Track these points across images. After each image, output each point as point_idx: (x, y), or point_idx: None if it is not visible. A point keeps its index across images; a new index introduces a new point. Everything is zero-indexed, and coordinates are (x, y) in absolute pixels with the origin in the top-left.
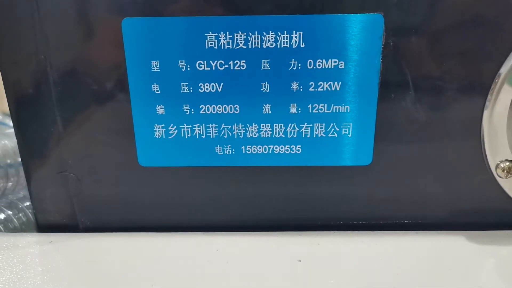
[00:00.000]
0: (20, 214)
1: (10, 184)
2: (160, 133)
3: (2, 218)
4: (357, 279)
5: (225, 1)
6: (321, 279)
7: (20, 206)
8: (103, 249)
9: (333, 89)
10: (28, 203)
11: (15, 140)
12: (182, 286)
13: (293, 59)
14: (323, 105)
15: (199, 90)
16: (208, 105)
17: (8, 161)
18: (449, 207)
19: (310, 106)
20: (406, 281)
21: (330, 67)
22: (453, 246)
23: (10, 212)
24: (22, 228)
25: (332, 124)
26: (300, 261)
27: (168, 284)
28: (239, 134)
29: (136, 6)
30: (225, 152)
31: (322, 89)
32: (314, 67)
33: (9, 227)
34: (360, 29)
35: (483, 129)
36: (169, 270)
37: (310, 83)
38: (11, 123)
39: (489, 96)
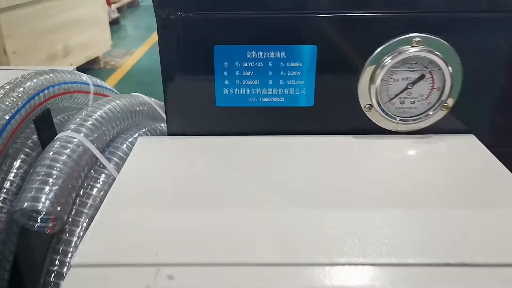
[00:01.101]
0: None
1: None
2: (226, 91)
3: (143, 130)
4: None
5: (253, 37)
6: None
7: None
8: (204, 142)
9: (297, 73)
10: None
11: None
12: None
13: (281, 62)
14: (293, 80)
15: (243, 74)
16: (245, 81)
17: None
18: (352, 126)
19: (288, 81)
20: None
21: (295, 66)
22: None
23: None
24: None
25: (297, 88)
26: (285, 144)
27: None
28: (259, 93)
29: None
30: (253, 100)
31: (292, 74)
32: (290, 64)
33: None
34: (310, 52)
35: (358, 90)
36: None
37: (288, 72)
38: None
39: (360, 75)
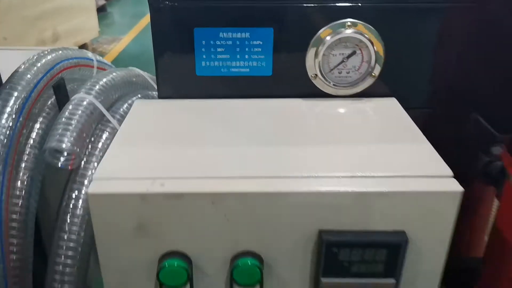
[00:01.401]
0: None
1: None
2: (204, 64)
3: (139, 96)
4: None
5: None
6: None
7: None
8: (187, 103)
9: (258, 50)
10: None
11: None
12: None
13: (246, 41)
14: (255, 55)
15: (217, 50)
16: (219, 55)
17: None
18: (302, 91)
19: (251, 56)
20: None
21: (257, 44)
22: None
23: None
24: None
25: (258, 61)
26: (250, 104)
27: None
28: (229, 65)
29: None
30: (224, 70)
31: (254, 50)
32: (253, 43)
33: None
34: (268, 34)
35: (306, 62)
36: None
37: (252, 49)
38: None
39: (307, 51)
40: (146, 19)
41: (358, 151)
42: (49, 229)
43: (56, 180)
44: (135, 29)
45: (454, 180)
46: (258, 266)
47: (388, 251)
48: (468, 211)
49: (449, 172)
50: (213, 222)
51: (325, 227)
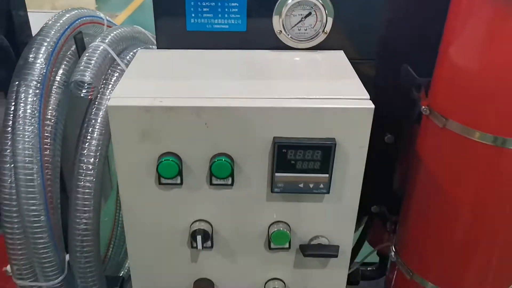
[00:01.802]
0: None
1: None
2: (193, 21)
3: (141, 47)
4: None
5: None
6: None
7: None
8: (180, 52)
9: (235, 10)
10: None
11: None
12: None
13: (226, 3)
14: (233, 15)
15: (203, 10)
16: (204, 14)
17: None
18: (270, 44)
19: (230, 15)
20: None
21: (234, 5)
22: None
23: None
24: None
25: (235, 20)
26: (229, 53)
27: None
28: (213, 22)
29: None
30: (209, 26)
31: (232, 11)
32: (231, 4)
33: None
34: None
35: (273, 21)
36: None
37: (230, 9)
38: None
39: (273, 12)
40: None
41: (305, 84)
42: (69, 164)
43: (74, 116)
44: (131, 7)
45: (370, 101)
46: (230, 163)
47: (322, 152)
48: (404, 147)
49: (367, 95)
50: (197, 129)
51: (278, 134)
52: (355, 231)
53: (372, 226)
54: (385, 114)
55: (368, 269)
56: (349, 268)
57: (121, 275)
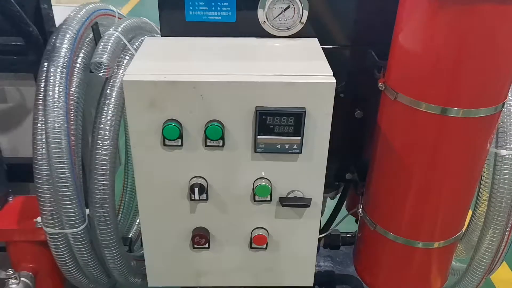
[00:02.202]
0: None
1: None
2: (191, 13)
3: (148, 35)
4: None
5: None
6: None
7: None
8: (181, 39)
9: (226, 4)
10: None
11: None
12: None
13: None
14: (224, 8)
15: (199, 4)
16: (200, 7)
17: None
18: (255, 33)
19: (222, 8)
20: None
21: (226, 0)
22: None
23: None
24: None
25: (226, 12)
26: (221, 40)
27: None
28: (208, 14)
29: None
30: (204, 18)
31: (224, 4)
32: None
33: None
34: None
35: (257, 13)
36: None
37: (222, 3)
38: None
39: (258, 6)
40: None
41: (282, 64)
42: (87, 133)
43: (91, 94)
44: (132, 2)
45: (333, 77)
46: (221, 128)
47: (295, 118)
48: (371, 121)
49: (331, 73)
50: (194, 100)
51: (259, 104)
52: (333, 199)
53: (348, 194)
54: (355, 92)
55: (348, 235)
56: (330, 234)
57: (129, 236)
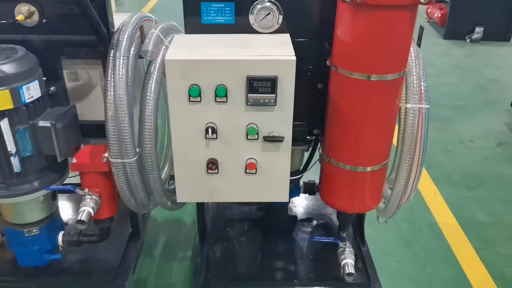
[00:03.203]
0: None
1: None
2: (205, 19)
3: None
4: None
5: None
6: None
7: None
8: (201, 36)
9: (228, 11)
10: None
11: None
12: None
13: (223, 8)
14: (227, 14)
15: (210, 12)
16: (211, 14)
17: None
18: (248, 31)
19: (225, 14)
20: None
21: (228, 9)
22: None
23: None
24: None
25: (228, 16)
26: (228, 35)
27: None
28: (216, 19)
29: None
30: (214, 21)
31: (226, 11)
32: (226, 9)
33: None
34: (232, 5)
35: (249, 18)
36: None
37: (225, 10)
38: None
39: (249, 12)
40: (152, 2)
41: (264, 50)
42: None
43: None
44: (144, 10)
45: (294, 57)
46: (226, 89)
47: (271, 82)
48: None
49: (293, 54)
50: (208, 71)
51: (249, 74)
52: (307, 151)
53: (316, 146)
54: (318, 71)
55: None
56: (308, 183)
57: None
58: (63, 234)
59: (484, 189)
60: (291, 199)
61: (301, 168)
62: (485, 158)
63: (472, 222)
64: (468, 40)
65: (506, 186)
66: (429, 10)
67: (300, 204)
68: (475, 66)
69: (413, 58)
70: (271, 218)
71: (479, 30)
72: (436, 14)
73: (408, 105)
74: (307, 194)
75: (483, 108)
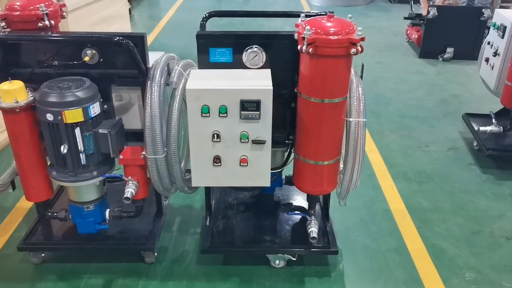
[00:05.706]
0: None
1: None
2: (212, 58)
3: (192, 68)
4: None
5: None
6: None
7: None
8: (209, 70)
9: (228, 53)
10: None
11: (187, 61)
12: None
13: (224, 52)
14: (227, 55)
15: (216, 54)
16: (216, 55)
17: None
18: (243, 67)
19: (226, 55)
20: None
21: (228, 52)
22: None
23: None
24: None
25: (228, 57)
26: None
27: None
28: (219, 58)
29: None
30: (217, 60)
31: (226, 53)
32: (226, 52)
33: None
34: (229, 50)
35: (243, 59)
36: None
37: (226, 53)
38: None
39: (243, 54)
40: (163, 22)
41: (252, 81)
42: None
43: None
44: (155, 30)
45: (271, 87)
46: (226, 108)
47: (256, 104)
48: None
49: (271, 85)
50: (214, 95)
51: (242, 98)
52: (286, 151)
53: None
54: (291, 94)
55: None
56: (286, 176)
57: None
58: (109, 211)
59: (431, 183)
60: (276, 188)
61: (282, 164)
62: (436, 159)
63: (417, 208)
64: (440, 59)
65: (448, 181)
66: (408, 32)
67: (282, 192)
68: (442, 82)
69: (355, 86)
70: (260, 202)
71: (450, 50)
72: (413, 36)
73: (351, 119)
74: (288, 185)
75: (442, 119)
